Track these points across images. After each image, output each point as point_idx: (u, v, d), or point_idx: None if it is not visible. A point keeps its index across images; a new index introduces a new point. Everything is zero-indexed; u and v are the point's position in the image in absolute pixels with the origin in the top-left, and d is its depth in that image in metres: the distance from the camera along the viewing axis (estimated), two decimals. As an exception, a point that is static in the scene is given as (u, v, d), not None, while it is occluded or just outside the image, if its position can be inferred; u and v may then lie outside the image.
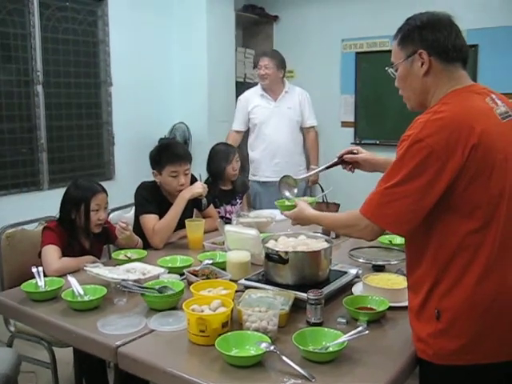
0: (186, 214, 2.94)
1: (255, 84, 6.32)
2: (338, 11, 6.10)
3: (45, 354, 2.49)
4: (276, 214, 3.23)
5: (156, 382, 1.56)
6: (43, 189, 4.69)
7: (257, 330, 1.66)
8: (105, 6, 5.03)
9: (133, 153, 5.32)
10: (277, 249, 2.01)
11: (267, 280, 2.05)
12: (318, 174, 4.42)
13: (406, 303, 1.89)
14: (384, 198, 1.54)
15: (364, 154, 2.27)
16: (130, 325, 1.78)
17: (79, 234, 2.50)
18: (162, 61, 5.55)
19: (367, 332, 1.63)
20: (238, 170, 3.56)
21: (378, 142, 5.95)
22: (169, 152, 2.91)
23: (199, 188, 2.88)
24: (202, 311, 1.69)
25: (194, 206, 3.06)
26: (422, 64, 1.61)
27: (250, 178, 4.58)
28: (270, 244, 2.11)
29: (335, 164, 2.29)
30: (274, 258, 1.97)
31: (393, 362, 1.57)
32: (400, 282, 2.08)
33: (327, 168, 2.32)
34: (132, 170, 5.19)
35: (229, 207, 3.47)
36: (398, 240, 2.78)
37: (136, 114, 5.30)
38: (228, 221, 3.38)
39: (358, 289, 2.12)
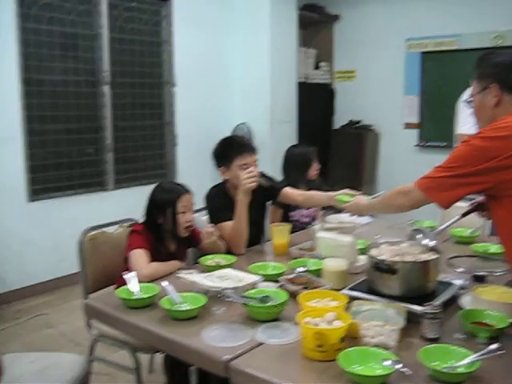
0: (257, 209, 2.81)
1: (316, 85, 6.24)
2: (402, 9, 5.94)
3: (119, 355, 2.44)
4: (357, 219, 3.11)
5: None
6: (108, 189, 4.69)
7: (377, 345, 1.55)
8: (169, 6, 5.00)
9: (195, 153, 5.29)
10: (384, 258, 1.90)
11: (371, 290, 1.94)
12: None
13: None
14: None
15: None
16: (236, 336, 1.69)
17: (166, 237, 2.43)
18: (224, 61, 5.50)
19: (503, 351, 1.49)
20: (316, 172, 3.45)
21: (444, 145, 5.75)
22: (236, 144, 2.77)
23: (246, 182, 2.60)
24: (316, 324, 1.58)
25: (266, 199, 2.93)
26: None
27: None
28: (374, 252, 2.00)
29: (471, 212, 2.26)
30: (383, 268, 1.85)
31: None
32: (512, 295, 1.93)
33: (463, 216, 2.27)
34: (194, 171, 5.16)
35: (304, 211, 3.36)
36: (493, 249, 2.63)
37: (198, 115, 5.27)
38: (303, 225, 3.27)
39: (466, 301, 1.98)
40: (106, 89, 4.58)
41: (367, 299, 1.85)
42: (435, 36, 5.69)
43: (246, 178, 2.60)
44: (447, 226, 2.29)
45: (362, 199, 2.40)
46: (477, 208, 2.23)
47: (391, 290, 1.88)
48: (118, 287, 2.41)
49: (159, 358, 2.73)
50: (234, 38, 5.49)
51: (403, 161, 6.02)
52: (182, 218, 2.39)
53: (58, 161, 4.40)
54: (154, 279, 2.20)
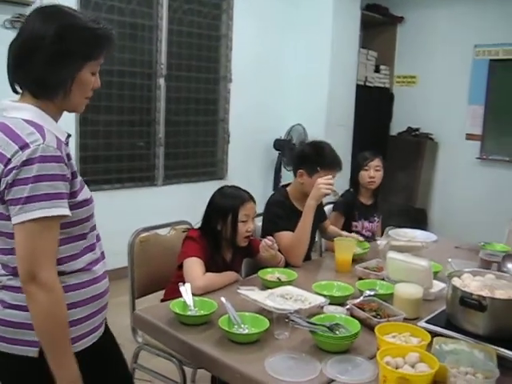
0: (314, 223, 2.64)
1: (375, 88, 6.00)
2: (471, 13, 5.64)
3: (159, 361, 2.30)
4: (431, 236, 2.89)
5: None
6: (158, 184, 4.58)
7: (468, 397, 1.35)
8: (231, 0, 4.84)
9: (247, 153, 5.15)
10: (473, 291, 1.68)
11: (452, 325, 1.73)
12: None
13: None
14: None
15: None
16: (302, 369, 1.51)
17: (223, 246, 2.27)
18: (282, 59, 5.33)
19: None
20: (376, 180, 3.20)
21: (508, 159, 5.43)
22: (328, 156, 2.63)
23: (322, 187, 2.48)
24: (398, 366, 1.39)
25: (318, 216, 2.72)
26: None
27: None
28: (457, 283, 1.78)
29: None
30: (471, 304, 1.64)
31: None
32: None
33: None
34: (245, 171, 5.02)
35: (366, 223, 3.15)
36: None
37: (253, 113, 5.11)
38: (365, 238, 3.06)
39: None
40: (161, 82, 4.46)
41: (451, 336, 1.64)
42: (505, 44, 5.37)
43: (323, 183, 2.47)
44: None
45: None
46: None
47: (477, 329, 1.66)
48: (166, 295, 2.29)
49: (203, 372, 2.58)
50: (295, 35, 5.30)
51: (462, 173, 5.72)
52: (242, 227, 2.22)
53: (108, 153, 4.30)
54: (209, 291, 2.04)
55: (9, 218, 1.30)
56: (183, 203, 4.32)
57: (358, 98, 5.55)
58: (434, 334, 1.64)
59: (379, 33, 6.24)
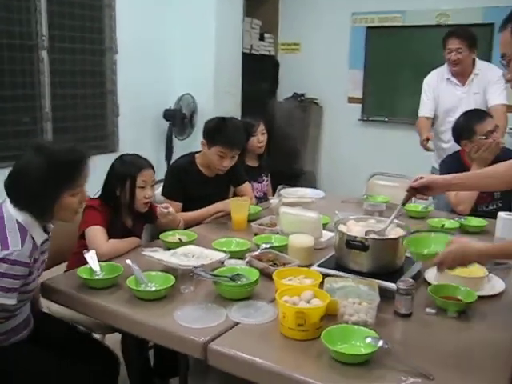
0: (222, 190, 2.79)
1: (260, 56, 6.15)
2: (347, -17, 5.90)
3: None
4: (319, 193, 3.11)
5: (258, 381, 1.43)
6: (47, 161, 4.44)
7: (356, 323, 1.54)
8: (111, -32, 4.74)
9: (137, 124, 5.12)
10: (355, 234, 1.89)
11: (341, 267, 1.93)
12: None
13: (484, 292, 1.88)
14: None
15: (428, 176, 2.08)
16: (210, 316, 1.64)
17: (123, 212, 2.32)
18: (167, 29, 5.29)
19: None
20: (263, 144, 3.38)
21: (386, 120, 5.86)
22: (223, 133, 2.77)
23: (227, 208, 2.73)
24: (295, 303, 1.55)
25: (230, 181, 2.91)
26: None
27: (434, 165, 3.91)
28: (342, 229, 1.98)
29: (408, 198, 2.09)
30: (355, 245, 1.84)
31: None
32: (476, 270, 1.98)
33: (403, 205, 2.11)
34: (136, 143, 4.95)
35: (256, 184, 3.31)
36: (448, 224, 2.70)
37: (141, 84, 5.06)
38: (256, 200, 3.23)
39: (431, 276, 2.01)
40: (44, 54, 4.30)
41: (339, 276, 1.84)
42: (380, 12, 5.72)
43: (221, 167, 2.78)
44: (394, 217, 2.00)
45: (465, 239, 1.79)
46: (412, 194, 2.07)
47: (361, 267, 1.88)
48: (70, 266, 2.31)
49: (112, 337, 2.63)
50: (179, 4, 5.28)
51: (346, 135, 6.08)
52: (140, 194, 2.29)
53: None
54: (114, 257, 2.10)
55: None
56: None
57: (245, 65, 5.66)
58: (325, 276, 1.82)
59: (263, 2, 6.37)
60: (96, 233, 2.15)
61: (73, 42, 4.55)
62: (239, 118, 3.73)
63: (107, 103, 4.96)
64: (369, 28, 5.81)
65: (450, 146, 3.60)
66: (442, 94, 3.83)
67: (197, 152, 2.91)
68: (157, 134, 5.32)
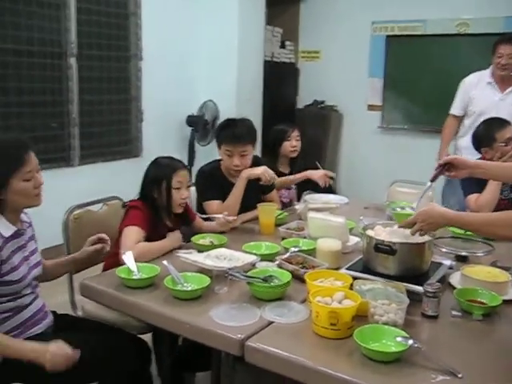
0: (251, 196, 2.87)
1: (281, 64, 6.23)
2: (367, -9, 5.97)
3: None
4: (343, 199, 3.18)
5: (292, 377, 1.50)
6: (74, 165, 4.58)
7: (386, 323, 1.61)
8: (137, -22, 4.86)
9: (161, 130, 5.24)
10: (383, 239, 1.95)
11: (368, 270, 1.99)
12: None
13: (508, 296, 1.93)
14: None
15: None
16: (244, 316, 1.71)
17: (162, 214, 2.40)
18: (192, 36, 5.42)
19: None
20: (297, 149, 3.47)
21: (405, 127, 5.90)
22: (227, 130, 2.86)
23: (257, 170, 2.80)
24: (328, 304, 1.62)
25: (260, 188, 2.98)
26: None
27: None
28: (370, 233, 2.05)
29: (436, 175, 2.14)
30: (384, 249, 1.91)
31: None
32: (497, 274, 2.04)
33: (432, 181, 2.16)
34: (159, 148, 5.04)
35: (284, 191, 3.38)
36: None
37: (165, 90, 5.19)
38: (282, 206, 3.29)
39: (455, 280, 2.07)
40: (73, 61, 4.43)
41: (368, 279, 1.90)
42: (400, 20, 5.79)
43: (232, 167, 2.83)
44: (424, 194, 2.11)
45: (435, 204, 1.96)
46: (442, 171, 2.13)
47: (389, 270, 1.94)
48: (106, 266, 2.39)
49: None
50: (203, 13, 5.40)
51: (365, 142, 6.14)
52: (176, 194, 2.36)
53: (21, 135, 4.22)
54: (147, 260, 2.15)
55: None
56: (101, 182, 4.35)
57: (266, 73, 5.76)
58: (353, 278, 1.89)
59: (283, 10, 6.47)
60: (129, 233, 2.20)
61: (100, 49, 4.69)
62: (260, 125, 3.80)
63: (132, 109, 5.08)
64: (388, 36, 5.88)
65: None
66: (478, 96, 3.95)
67: (221, 159, 2.99)
68: (179, 140, 5.42)
